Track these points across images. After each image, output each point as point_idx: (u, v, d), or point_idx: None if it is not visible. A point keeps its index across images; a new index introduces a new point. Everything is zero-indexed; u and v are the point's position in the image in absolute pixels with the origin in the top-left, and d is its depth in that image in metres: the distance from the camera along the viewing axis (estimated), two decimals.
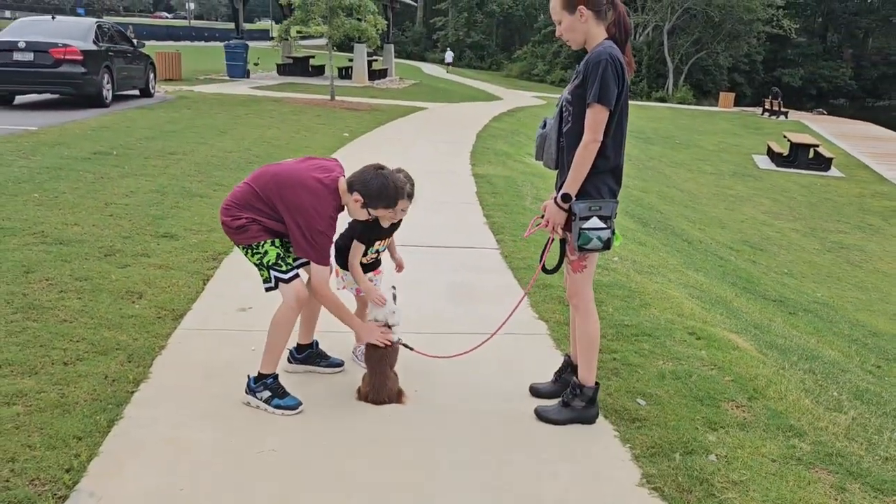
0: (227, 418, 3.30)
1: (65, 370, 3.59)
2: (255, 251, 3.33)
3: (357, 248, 3.74)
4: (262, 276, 3.38)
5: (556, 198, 3.26)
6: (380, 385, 3.54)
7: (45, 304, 4.34)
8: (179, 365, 3.80)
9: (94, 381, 3.50)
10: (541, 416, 3.47)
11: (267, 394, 3.37)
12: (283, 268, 3.34)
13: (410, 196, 3.67)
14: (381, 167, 3.41)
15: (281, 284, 3.34)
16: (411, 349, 3.72)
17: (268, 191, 3.29)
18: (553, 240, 3.43)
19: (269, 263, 3.33)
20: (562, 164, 3.32)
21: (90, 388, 3.44)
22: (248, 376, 3.44)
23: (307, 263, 3.47)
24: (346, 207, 3.42)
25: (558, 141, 3.32)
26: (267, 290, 3.40)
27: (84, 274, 4.90)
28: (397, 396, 3.56)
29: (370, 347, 3.57)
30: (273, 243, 3.34)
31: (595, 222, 3.19)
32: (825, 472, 3.14)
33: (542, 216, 3.35)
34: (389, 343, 3.53)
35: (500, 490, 2.91)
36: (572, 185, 3.19)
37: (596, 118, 3.09)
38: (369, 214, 3.44)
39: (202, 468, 2.92)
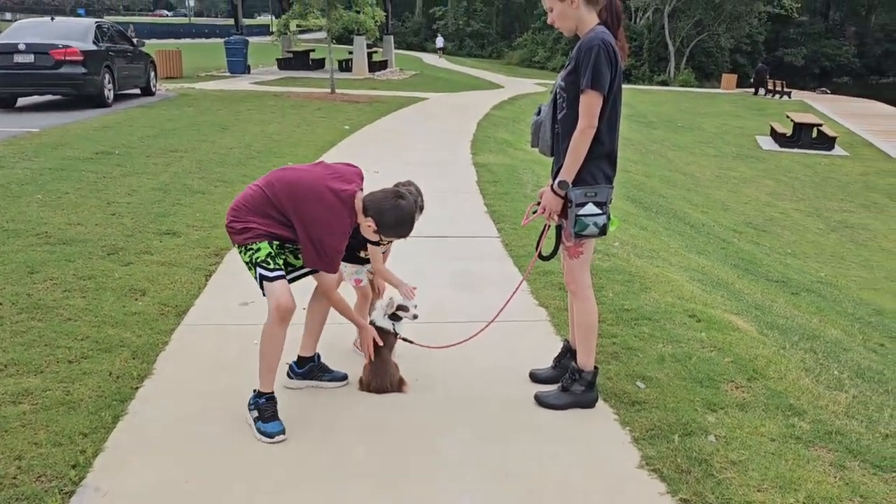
0: (230, 411, 3.33)
1: (70, 368, 3.63)
2: (248, 248, 3.19)
3: (375, 252, 3.77)
4: (252, 274, 3.23)
5: (552, 185, 3.28)
6: (381, 374, 3.58)
7: (49, 304, 4.39)
8: (183, 360, 3.85)
9: (98, 379, 3.55)
10: (541, 401, 3.50)
11: (255, 413, 3.20)
12: (270, 265, 3.16)
13: (421, 209, 3.70)
14: (401, 195, 3.26)
15: (265, 284, 3.17)
16: (410, 342, 3.75)
17: (282, 199, 3.16)
18: (549, 227, 3.45)
19: (258, 260, 3.16)
20: (557, 151, 3.34)
21: (95, 385, 3.49)
22: (254, 390, 3.28)
23: (307, 275, 3.45)
24: (358, 222, 3.28)
25: (553, 128, 3.34)
26: (261, 284, 3.23)
27: (88, 273, 4.95)
28: (398, 385, 3.60)
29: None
30: (270, 243, 3.20)
31: (591, 208, 3.20)
32: (825, 451, 3.16)
33: (539, 203, 3.37)
34: (371, 344, 3.55)
35: (503, 474, 2.94)
36: (569, 172, 3.20)
37: (590, 104, 3.11)
38: (381, 240, 3.42)
39: (207, 461, 2.96)
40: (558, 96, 3.26)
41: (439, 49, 58.57)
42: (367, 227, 3.24)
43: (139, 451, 3.01)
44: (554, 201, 3.24)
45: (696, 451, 3.08)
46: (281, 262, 3.25)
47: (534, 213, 3.41)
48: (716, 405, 3.50)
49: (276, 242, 3.22)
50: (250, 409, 3.24)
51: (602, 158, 3.21)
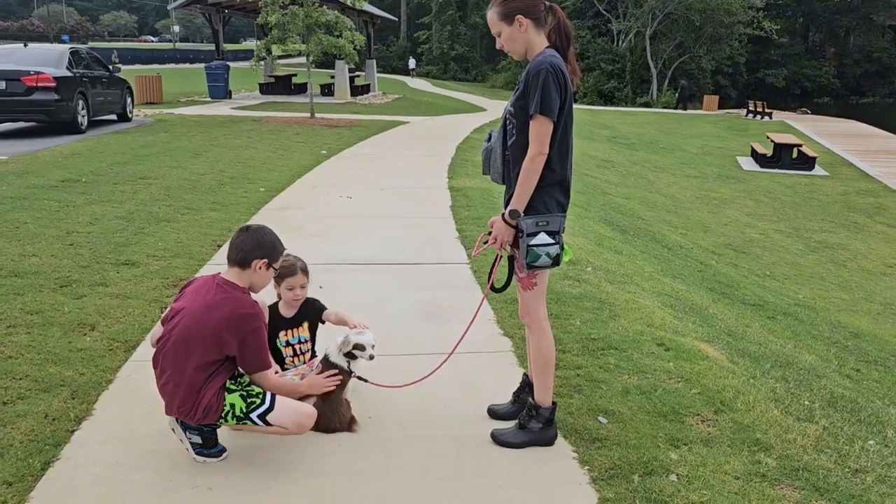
0: (168, 455, 3.16)
1: (3, 410, 3.45)
2: (223, 417, 3.05)
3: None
4: (249, 425, 3.09)
5: (504, 214, 3.15)
6: (330, 412, 3.41)
7: None
8: (125, 400, 3.67)
9: (32, 421, 3.37)
10: (497, 439, 3.34)
11: (199, 440, 3.13)
12: (257, 402, 3.06)
13: (304, 270, 3.62)
14: (244, 228, 3.20)
15: (270, 417, 3.06)
16: (365, 380, 3.58)
17: (191, 351, 3.00)
18: (501, 257, 3.32)
19: (245, 412, 3.04)
20: (508, 178, 3.22)
21: (28, 428, 3.31)
22: None
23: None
24: (251, 288, 3.17)
25: (503, 154, 3.22)
26: (265, 423, 3.10)
27: (36, 307, 4.77)
28: (349, 424, 3.43)
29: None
30: (228, 391, 3.06)
31: (543, 238, 3.07)
32: (790, 489, 3.02)
33: (490, 233, 3.24)
34: (337, 383, 3.40)
35: None
36: (520, 201, 3.08)
37: (539, 130, 2.99)
38: (275, 271, 3.26)
39: None
40: (508, 122, 3.15)
41: (412, 70, 63.59)
42: (260, 271, 3.12)
43: (66, 500, 2.83)
44: (505, 231, 3.11)
45: (657, 492, 2.94)
46: (255, 389, 3.12)
47: (485, 243, 3.28)
48: (679, 441, 3.36)
49: (227, 382, 3.09)
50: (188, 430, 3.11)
51: (554, 186, 3.09)
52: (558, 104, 3.00)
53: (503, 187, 3.34)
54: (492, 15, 3.16)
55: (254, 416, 3.06)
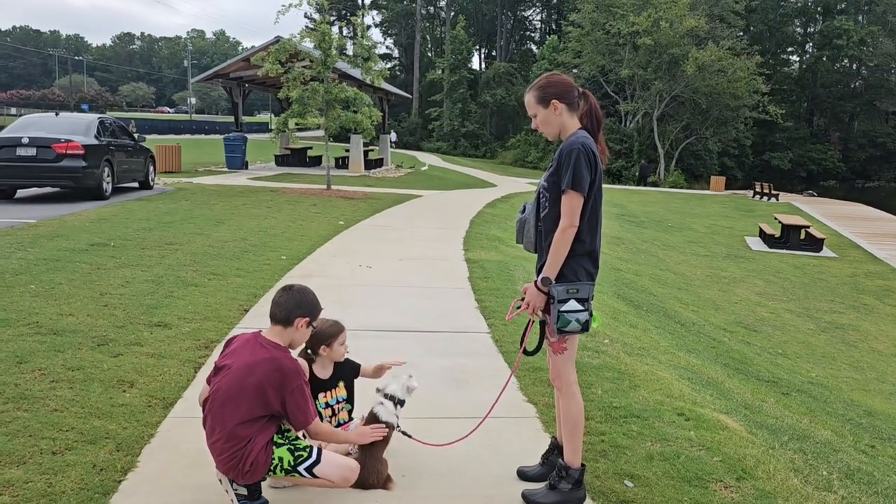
0: None
1: (53, 459, 3.60)
2: (272, 471, 3.22)
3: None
4: (297, 477, 3.26)
5: (536, 281, 3.35)
6: (370, 468, 3.55)
7: (36, 394, 4.37)
8: (168, 454, 3.81)
9: (81, 471, 3.51)
10: (528, 499, 3.47)
11: (244, 492, 3.26)
12: (304, 455, 3.22)
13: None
14: (286, 287, 3.40)
15: (316, 470, 3.22)
16: (409, 436, 3.74)
17: (237, 408, 3.15)
18: (533, 322, 3.51)
19: (293, 465, 3.20)
20: (540, 248, 3.44)
21: (78, 477, 3.45)
22: None
23: None
24: (291, 345, 3.37)
25: (536, 225, 3.45)
26: (312, 475, 3.27)
27: (76, 364, 4.94)
28: (385, 482, 3.56)
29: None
30: (276, 445, 3.22)
31: (573, 305, 3.27)
32: None
33: (523, 299, 3.44)
34: (383, 435, 3.56)
35: None
36: (551, 269, 3.29)
37: (571, 204, 3.23)
38: (314, 329, 3.45)
39: None
40: (542, 195, 3.39)
41: (393, 143, 64.42)
42: (302, 329, 3.32)
43: None
44: (537, 297, 3.31)
45: None
46: (302, 444, 3.29)
47: (518, 308, 3.48)
48: None
49: (277, 437, 3.26)
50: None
51: (584, 256, 3.31)
52: (588, 181, 3.24)
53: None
54: (529, 98, 3.44)
55: (301, 468, 3.21)
